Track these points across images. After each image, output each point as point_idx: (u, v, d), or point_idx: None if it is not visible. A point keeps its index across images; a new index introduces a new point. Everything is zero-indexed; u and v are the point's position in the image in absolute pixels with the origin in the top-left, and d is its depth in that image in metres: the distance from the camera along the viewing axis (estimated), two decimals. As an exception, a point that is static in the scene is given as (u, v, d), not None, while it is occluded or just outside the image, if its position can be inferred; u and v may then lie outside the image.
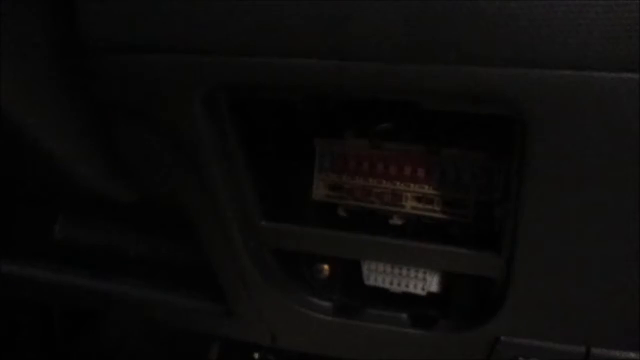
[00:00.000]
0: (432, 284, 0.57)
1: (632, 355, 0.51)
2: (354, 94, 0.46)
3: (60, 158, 0.52)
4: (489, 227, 0.53)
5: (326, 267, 0.60)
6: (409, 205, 0.55)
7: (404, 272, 0.57)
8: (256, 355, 0.92)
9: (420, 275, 0.57)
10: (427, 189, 0.54)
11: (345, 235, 0.55)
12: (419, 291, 0.57)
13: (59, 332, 0.99)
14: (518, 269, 0.50)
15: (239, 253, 0.56)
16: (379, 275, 0.58)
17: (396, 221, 0.56)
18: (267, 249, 0.58)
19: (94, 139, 0.52)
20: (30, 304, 0.94)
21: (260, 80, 0.44)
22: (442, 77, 0.41)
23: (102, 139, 0.52)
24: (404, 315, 0.60)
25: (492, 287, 0.55)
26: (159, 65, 0.45)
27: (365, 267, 0.58)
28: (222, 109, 0.49)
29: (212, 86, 0.46)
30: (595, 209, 0.45)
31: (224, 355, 0.98)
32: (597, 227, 0.46)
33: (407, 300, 0.58)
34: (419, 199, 0.54)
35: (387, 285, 0.58)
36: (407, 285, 0.57)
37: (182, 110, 0.47)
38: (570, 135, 0.42)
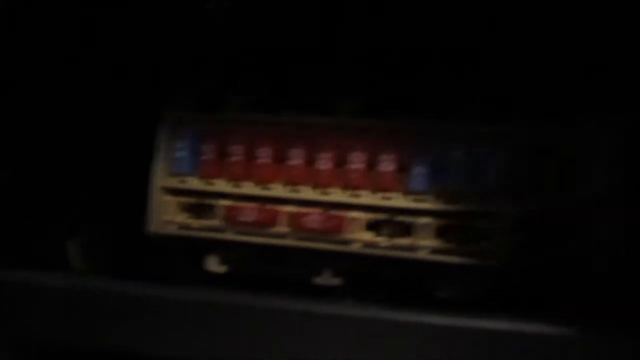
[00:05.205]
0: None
1: None
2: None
3: None
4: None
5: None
6: (358, 238, 0.30)
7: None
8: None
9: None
10: (400, 200, 0.30)
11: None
12: None
13: None
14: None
15: None
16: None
17: (328, 280, 0.31)
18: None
19: None
20: None
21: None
22: None
23: None
24: None
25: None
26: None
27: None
28: None
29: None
30: None
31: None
32: None
33: None
34: (381, 227, 0.30)
35: None
36: None
37: None
38: None
